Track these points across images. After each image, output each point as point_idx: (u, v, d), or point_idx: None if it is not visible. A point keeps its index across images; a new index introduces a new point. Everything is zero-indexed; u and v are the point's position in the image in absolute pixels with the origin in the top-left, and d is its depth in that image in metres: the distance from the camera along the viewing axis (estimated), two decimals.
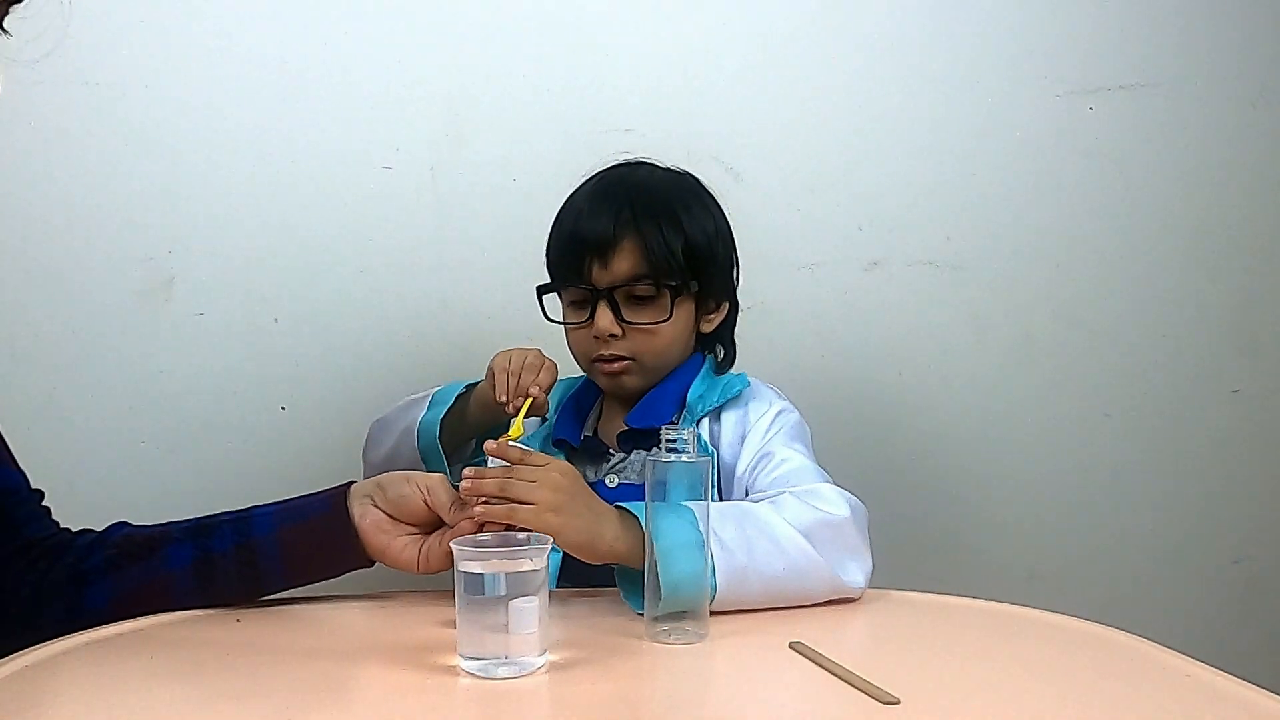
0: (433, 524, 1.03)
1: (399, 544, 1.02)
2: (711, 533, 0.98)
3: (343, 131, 1.53)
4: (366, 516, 1.02)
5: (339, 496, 1.03)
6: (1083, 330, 1.68)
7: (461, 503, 1.01)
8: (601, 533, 1.00)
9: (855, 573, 1.06)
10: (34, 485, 1.09)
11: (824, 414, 1.60)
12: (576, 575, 1.14)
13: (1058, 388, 1.68)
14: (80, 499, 1.48)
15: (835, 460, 1.61)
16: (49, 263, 1.48)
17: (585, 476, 1.23)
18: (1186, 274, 1.69)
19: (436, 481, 1.03)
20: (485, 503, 0.99)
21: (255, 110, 1.51)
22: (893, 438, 1.65)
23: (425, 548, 1.02)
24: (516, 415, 1.14)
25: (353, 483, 1.05)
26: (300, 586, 1.05)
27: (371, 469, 1.32)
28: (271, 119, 1.52)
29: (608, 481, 1.24)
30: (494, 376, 1.22)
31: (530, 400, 1.17)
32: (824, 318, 1.63)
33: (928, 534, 1.67)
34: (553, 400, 1.33)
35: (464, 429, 1.29)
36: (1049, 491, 1.68)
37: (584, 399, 1.33)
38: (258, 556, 1.02)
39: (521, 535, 0.91)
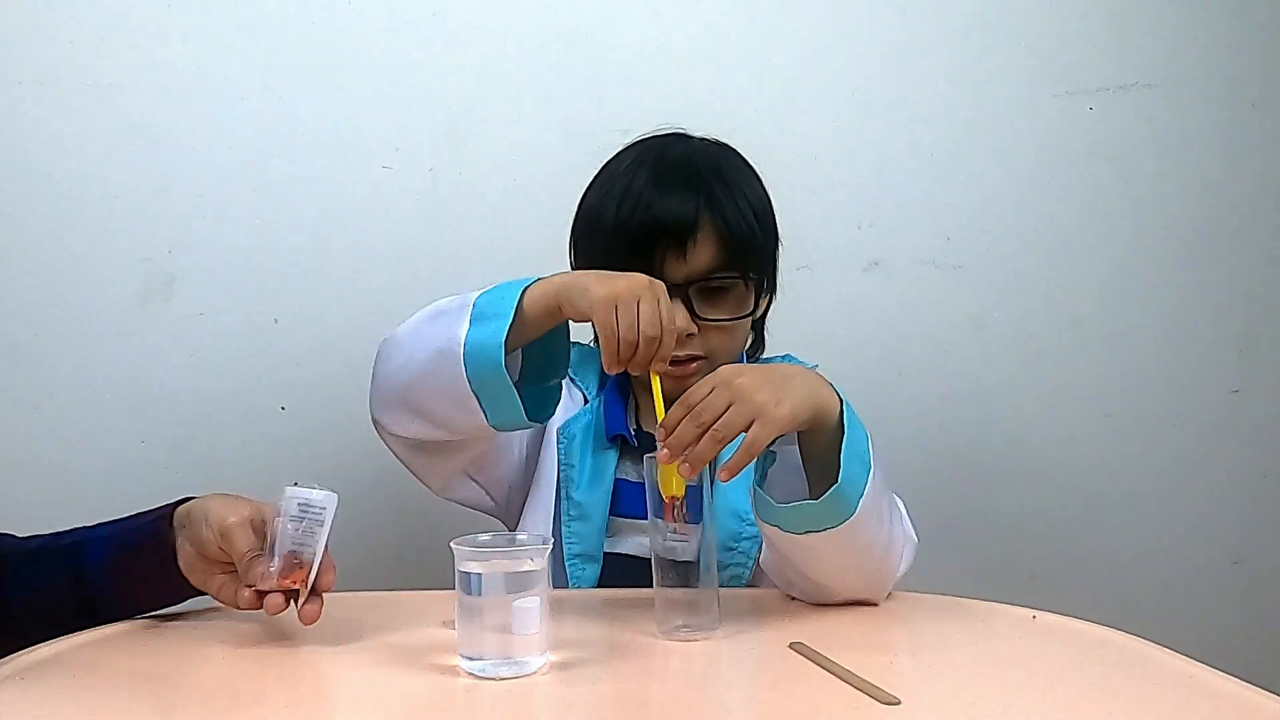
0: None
1: (216, 582, 0.96)
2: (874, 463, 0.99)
3: (343, 131, 1.53)
4: (182, 553, 0.97)
5: (162, 527, 0.97)
6: (1083, 330, 1.68)
7: (257, 556, 0.92)
8: (818, 390, 0.96)
9: (900, 568, 1.08)
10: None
11: None
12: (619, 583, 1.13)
13: (1058, 388, 1.68)
14: (80, 499, 1.49)
15: None
16: (49, 263, 1.48)
17: (642, 477, 1.19)
18: (1186, 274, 1.69)
19: (234, 526, 0.93)
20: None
21: (255, 110, 1.51)
22: (892, 438, 1.65)
23: (236, 589, 0.94)
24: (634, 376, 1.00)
25: (186, 500, 0.99)
26: (144, 613, 1.01)
27: (384, 397, 1.13)
28: (271, 119, 1.52)
29: None
30: (600, 311, 0.97)
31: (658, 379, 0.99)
32: (824, 318, 1.62)
33: (928, 534, 1.65)
34: (592, 378, 1.25)
35: (516, 339, 1.04)
36: (1049, 491, 1.68)
37: (623, 386, 1.24)
38: (90, 588, 0.98)
39: (522, 536, 0.91)
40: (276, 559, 0.91)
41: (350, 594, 1.09)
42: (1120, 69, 1.66)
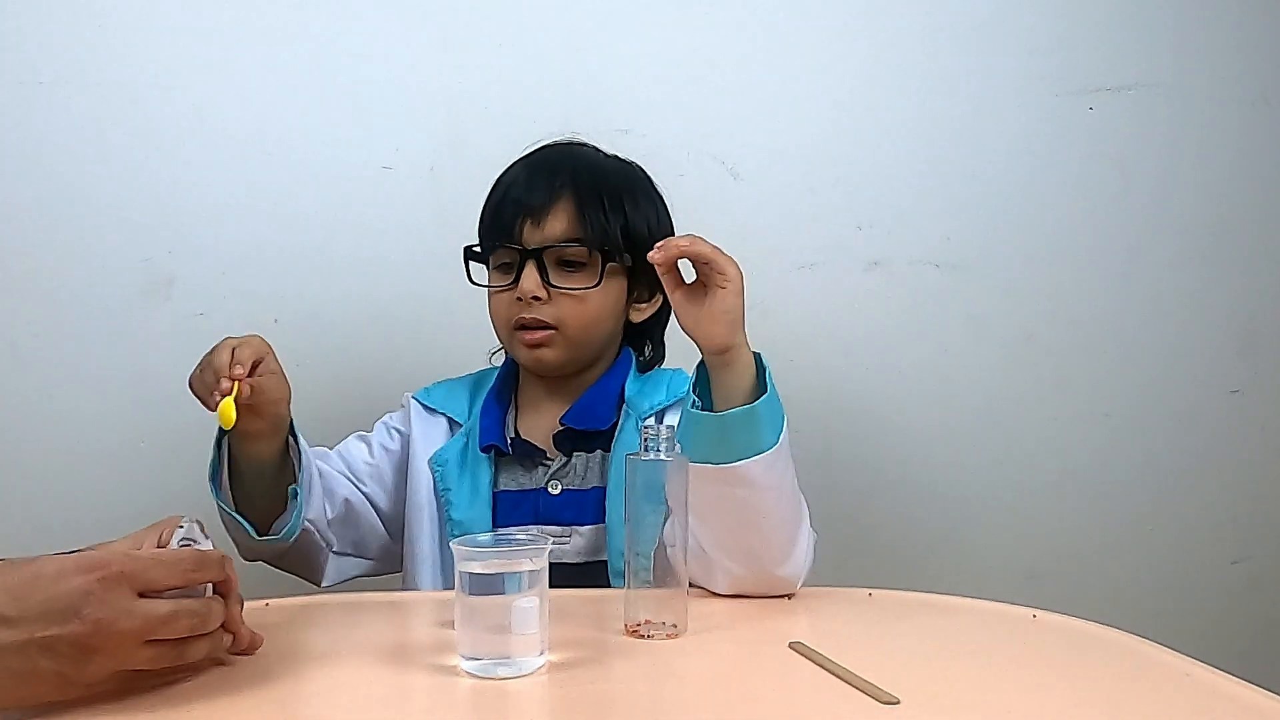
0: None
1: None
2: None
3: (343, 131, 1.53)
4: None
5: None
6: (1083, 330, 1.68)
7: None
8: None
9: (797, 565, 1.07)
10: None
11: (824, 414, 1.61)
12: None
13: (1058, 388, 1.68)
14: (80, 499, 1.49)
15: (834, 460, 1.62)
16: (49, 263, 1.48)
17: (521, 483, 1.22)
18: (1186, 274, 1.69)
19: None
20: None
21: (255, 110, 1.51)
22: (892, 437, 1.65)
23: None
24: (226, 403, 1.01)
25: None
26: None
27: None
28: (272, 119, 1.52)
29: (550, 488, 1.20)
30: (192, 383, 1.08)
31: (235, 389, 1.02)
32: (824, 318, 1.63)
33: (927, 534, 1.67)
34: (463, 399, 1.29)
35: (254, 475, 1.14)
36: (1049, 491, 1.68)
37: (501, 396, 1.28)
38: None
39: (521, 536, 0.91)
40: None
41: (350, 594, 1.09)
42: (1120, 69, 1.66)
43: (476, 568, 0.84)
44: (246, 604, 1.03)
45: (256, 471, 1.13)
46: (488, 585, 0.84)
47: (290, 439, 1.15)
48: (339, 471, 1.25)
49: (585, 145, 1.29)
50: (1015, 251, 1.66)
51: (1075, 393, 1.68)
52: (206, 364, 1.07)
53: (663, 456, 0.95)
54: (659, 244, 1.00)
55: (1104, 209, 1.67)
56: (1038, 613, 1.03)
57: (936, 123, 1.64)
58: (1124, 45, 1.66)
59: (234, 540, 1.16)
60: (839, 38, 1.62)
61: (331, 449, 1.29)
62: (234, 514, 1.12)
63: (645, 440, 0.95)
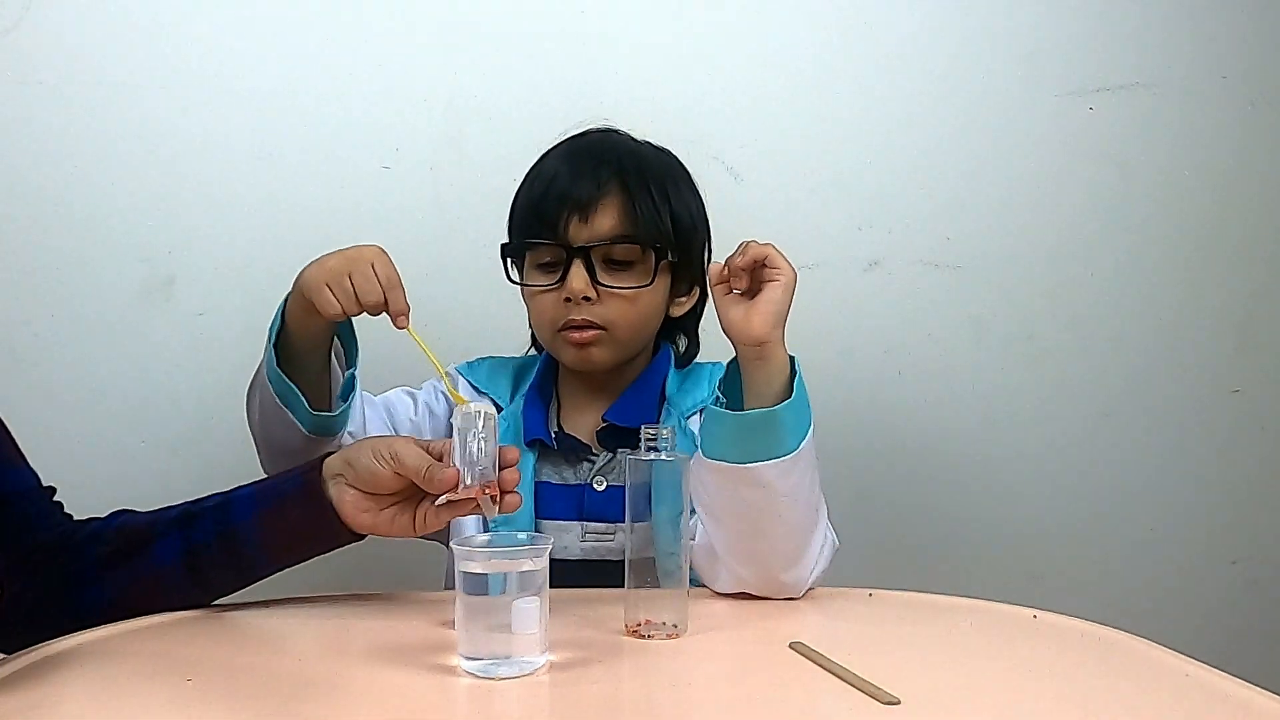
0: (412, 489, 0.97)
1: (386, 517, 0.97)
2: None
3: (343, 131, 1.53)
4: (344, 499, 0.97)
5: (312, 478, 0.98)
6: (1083, 330, 1.68)
7: (434, 462, 0.94)
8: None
9: (805, 571, 1.07)
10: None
11: (824, 414, 1.60)
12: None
13: (1058, 388, 1.68)
14: (80, 499, 1.48)
15: (835, 460, 1.61)
16: (49, 263, 1.48)
17: (564, 478, 1.21)
18: (1186, 274, 1.69)
19: (401, 446, 0.95)
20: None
21: (255, 110, 1.51)
22: (892, 438, 1.65)
23: (420, 513, 0.97)
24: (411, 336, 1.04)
25: (328, 456, 1.00)
26: (292, 567, 1.03)
27: (255, 436, 1.18)
28: (271, 119, 1.52)
29: (595, 484, 1.19)
30: (317, 292, 1.04)
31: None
32: (824, 318, 1.62)
33: (928, 534, 1.67)
34: (505, 387, 1.27)
35: (306, 352, 1.12)
36: (1049, 491, 1.68)
37: (543, 389, 1.26)
38: (241, 544, 1.00)
39: (522, 535, 0.91)
40: (467, 469, 0.92)
41: (350, 594, 1.09)
42: (1120, 69, 1.66)
43: (476, 568, 0.84)
44: (245, 607, 1.03)
45: (309, 361, 1.12)
46: (488, 585, 0.84)
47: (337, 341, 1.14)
48: (379, 419, 1.22)
49: (621, 133, 1.25)
50: (1015, 251, 1.66)
51: (1075, 393, 1.68)
52: (349, 289, 1.06)
53: (663, 457, 0.95)
54: (724, 271, 1.04)
55: (1104, 209, 1.67)
56: (1038, 613, 1.03)
57: (936, 123, 1.64)
58: (1124, 45, 1.66)
59: (269, 436, 1.13)
60: (839, 38, 1.62)
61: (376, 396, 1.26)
62: (295, 390, 1.08)
63: (645, 441, 0.95)
